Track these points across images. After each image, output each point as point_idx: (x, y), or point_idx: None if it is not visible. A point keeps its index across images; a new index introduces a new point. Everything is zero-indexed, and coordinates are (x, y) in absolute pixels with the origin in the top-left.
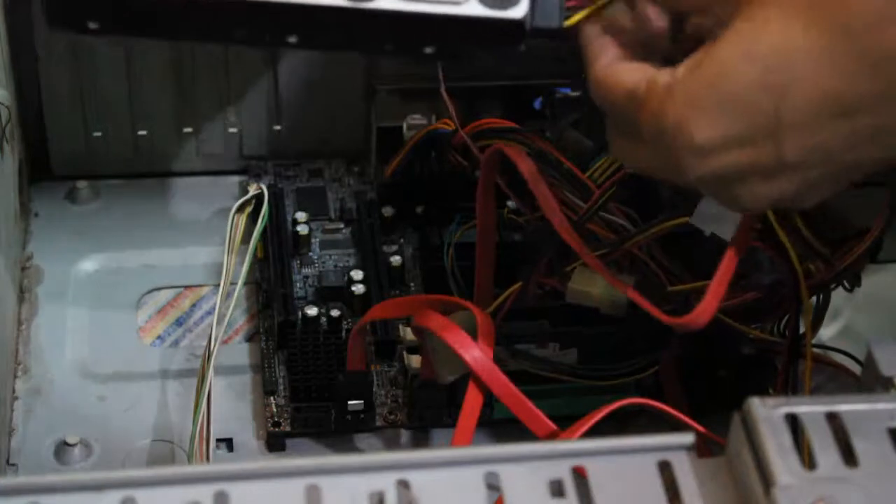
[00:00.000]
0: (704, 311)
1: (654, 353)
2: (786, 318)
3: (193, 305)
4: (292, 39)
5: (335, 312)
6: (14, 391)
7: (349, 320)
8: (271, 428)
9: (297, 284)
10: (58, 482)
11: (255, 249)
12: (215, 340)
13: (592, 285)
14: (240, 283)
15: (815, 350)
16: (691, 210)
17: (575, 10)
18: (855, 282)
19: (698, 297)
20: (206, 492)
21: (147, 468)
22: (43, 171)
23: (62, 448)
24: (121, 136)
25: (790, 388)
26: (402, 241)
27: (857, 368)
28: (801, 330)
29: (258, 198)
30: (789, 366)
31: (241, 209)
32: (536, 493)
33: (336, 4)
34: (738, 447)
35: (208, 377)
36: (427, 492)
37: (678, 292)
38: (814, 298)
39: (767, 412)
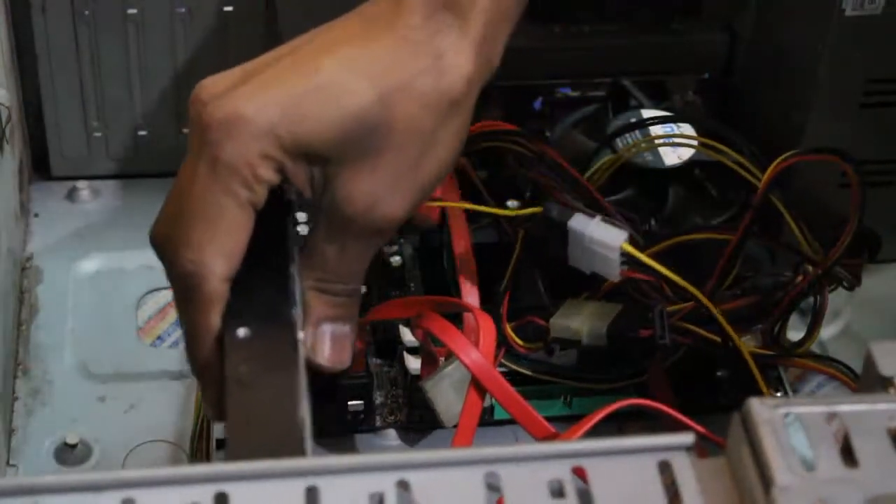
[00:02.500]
0: None
1: (651, 358)
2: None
3: None
4: None
5: None
6: (14, 391)
7: None
8: None
9: None
10: (58, 482)
11: None
12: None
13: (573, 319)
14: None
15: (808, 361)
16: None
17: None
18: (855, 282)
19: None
20: (206, 492)
21: (147, 468)
22: (43, 171)
23: (62, 448)
24: (121, 136)
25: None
26: (402, 241)
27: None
28: (803, 334)
29: None
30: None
31: None
32: (536, 493)
33: None
34: (738, 447)
35: None
36: (427, 492)
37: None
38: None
39: (767, 412)
